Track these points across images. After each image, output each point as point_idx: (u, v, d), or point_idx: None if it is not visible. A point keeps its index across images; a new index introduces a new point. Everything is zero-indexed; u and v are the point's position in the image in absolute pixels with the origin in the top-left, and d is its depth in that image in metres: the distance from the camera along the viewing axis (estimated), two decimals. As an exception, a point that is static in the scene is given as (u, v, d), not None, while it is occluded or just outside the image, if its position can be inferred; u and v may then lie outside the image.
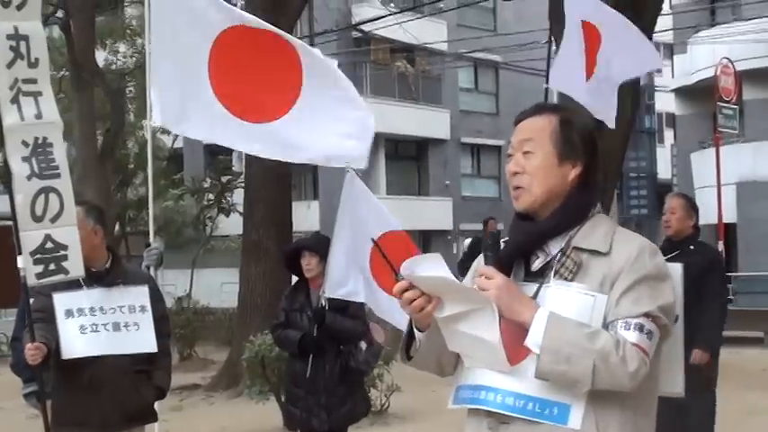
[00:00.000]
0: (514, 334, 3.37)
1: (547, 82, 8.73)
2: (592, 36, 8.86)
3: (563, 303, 3.38)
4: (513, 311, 3.36)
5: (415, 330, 3.66)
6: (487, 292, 3.37)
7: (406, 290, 3.41)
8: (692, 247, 8.60)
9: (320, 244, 8.31)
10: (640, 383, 3.32)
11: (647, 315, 3.34)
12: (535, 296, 3.44)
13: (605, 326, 3.35)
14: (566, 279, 3.43)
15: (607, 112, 8.97)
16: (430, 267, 3.37)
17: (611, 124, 9.03)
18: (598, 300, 3.38)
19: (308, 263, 8.32)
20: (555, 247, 3.51)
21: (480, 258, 3.62)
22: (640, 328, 3.32)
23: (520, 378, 3.38)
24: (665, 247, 8.64)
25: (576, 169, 3.55)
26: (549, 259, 3.51)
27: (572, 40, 8.68)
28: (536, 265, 3.53)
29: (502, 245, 3.59)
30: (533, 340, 3.31)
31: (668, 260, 8.74)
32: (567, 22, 8.64)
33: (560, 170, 3.54)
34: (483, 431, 3.48)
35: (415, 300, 3.41)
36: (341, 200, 8.14)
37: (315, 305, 8.20)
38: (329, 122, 8.02)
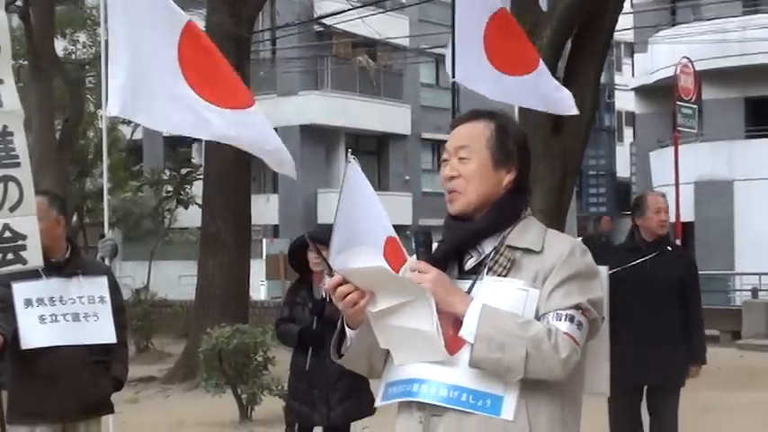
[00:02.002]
0: (447, 327, 3.47)
1: (453, 76, 8.63)
2: (510, 27, 8.89)
3: (497, 297, 3.48)
4: (447, 303, 3.46)
5: (346, 328, 3.73)
6: (421, 285, 3.45)
7: (340, 284, 3.48)
8: (669, 248, 8.50)
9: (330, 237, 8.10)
10: (571, 373, 3.41)
11: (577, 307, 3.45)
12: (469, 291, 3.54)
13: (537, 319, 3.46)
14: (499, 275, 3.52)
15: (563, 102, 9.17)
16: (365, 260, 3.49)
17: (573, 110, 9.33)
18: (530, 294, 3.48)
19: (316, 256, 8.07)
20: (488, 246, 3.60)
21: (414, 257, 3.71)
22: (571, 318, 3.43)
23: (454, 370, 3.45)
24: (639, 248, 8.42)
25: (510, 174, 3.66)
26: (482, 258, 3.60)
27: (472, 35, 8.64)
28: (469, 264, 3.62)
29: (435, 244, 3.68)
30: (468, 330, 3.39)
31: (650, 261, 8.52)
32: (471, 17, 8.63)
33: (496, 175, 3.64)
34: (413, 425, 3.53)
35: (348, 294, 3.48)
36: (342, 189, 8.03)
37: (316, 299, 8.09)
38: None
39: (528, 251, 3.55)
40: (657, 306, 8.24)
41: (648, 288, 8.23)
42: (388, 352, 3.64)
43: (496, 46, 8.77)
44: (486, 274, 3.54)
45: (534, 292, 3.47)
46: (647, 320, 8.24)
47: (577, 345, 3.41)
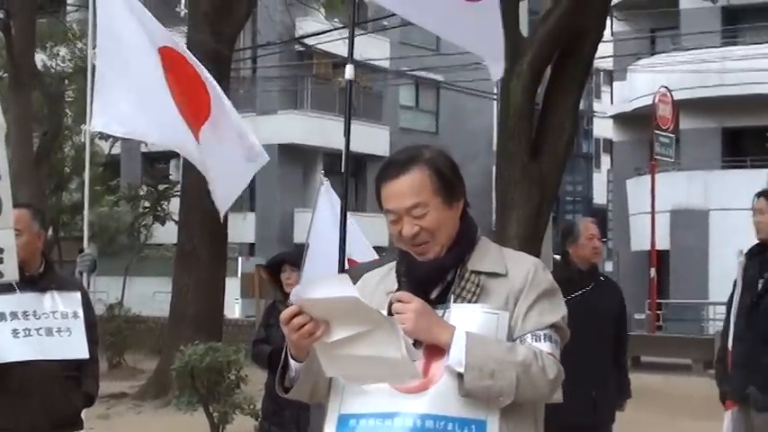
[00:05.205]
0: (426, 357, 3.45)
1: None
2: None
3: (468, 323, 3.47)
4: (431, 333, 3.43)
5: (291, 361, 3.63)
6: (404, 316, 3.40)
7: (296, 315, 3.38)
8: (601, 278, 8.21)
9: (302, 258, 8.07)
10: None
11: (552, 326, 3.54)
12: None
13: (512, 341, 3.49)
14: (469, 301, 3.53)
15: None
16: (333, 288, 3.30)
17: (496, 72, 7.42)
18: (501, 317, 3.50)
19: (289, 277, 8.08)
20: (450, 274, 3.60)
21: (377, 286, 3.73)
22: (549, 338, 3.51)
23: (434, 399, 3.42)
24: (575, 278, 7.83)
25: (461, 202, 3.67)
26: (445, 285, 3.59)
27: None
28: (434, 293, 3.59)
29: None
30: (456, 359, 3.37)
31: (585, 293, 8.05)
32: None
33: (452, 211, 3.63)
34: None
35: (304, 325, 3.37)
36: (315, 210, 8.00)
37: None
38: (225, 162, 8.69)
39: (493, 275, 3.57)
40: (593, 341, 7.49)
41: (586, 322, 7.04)
42: (330, 380, 3.58)
43: None
44: (455, 302, 3.53)
45: (505, 315, 3.50)
46: (582, 356, 6.87)
47: (559, 362, 3.49)
